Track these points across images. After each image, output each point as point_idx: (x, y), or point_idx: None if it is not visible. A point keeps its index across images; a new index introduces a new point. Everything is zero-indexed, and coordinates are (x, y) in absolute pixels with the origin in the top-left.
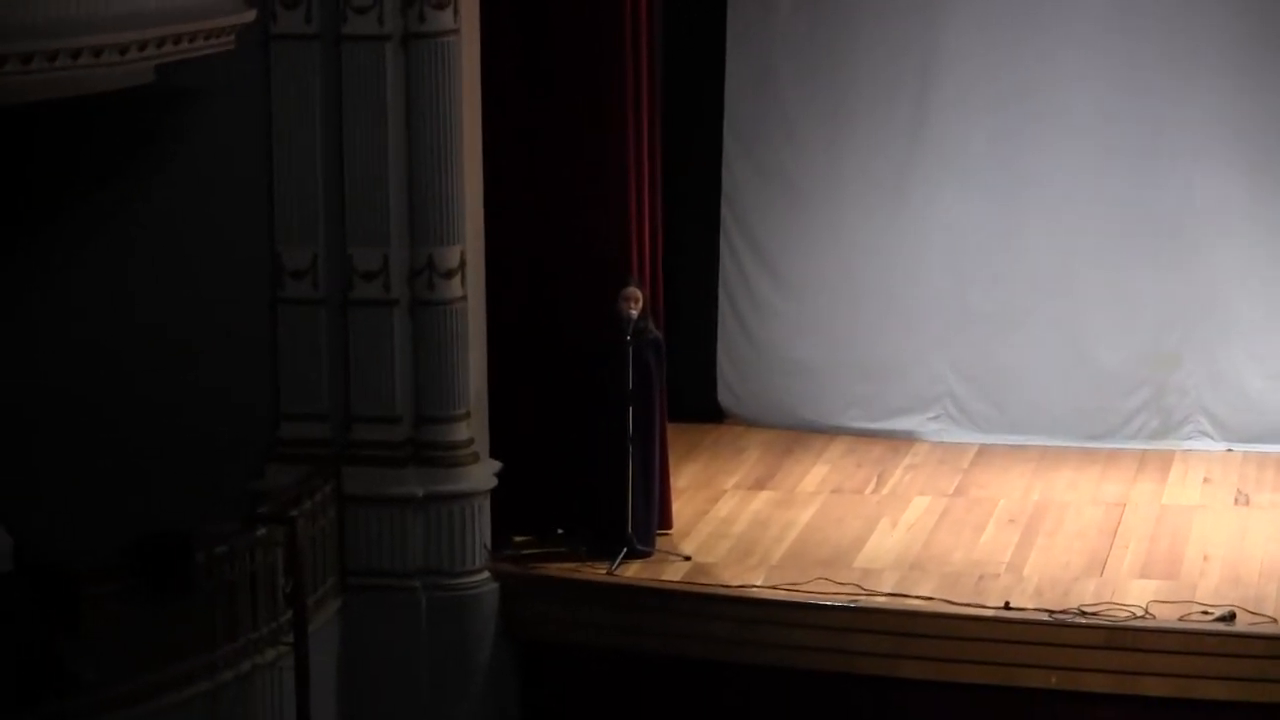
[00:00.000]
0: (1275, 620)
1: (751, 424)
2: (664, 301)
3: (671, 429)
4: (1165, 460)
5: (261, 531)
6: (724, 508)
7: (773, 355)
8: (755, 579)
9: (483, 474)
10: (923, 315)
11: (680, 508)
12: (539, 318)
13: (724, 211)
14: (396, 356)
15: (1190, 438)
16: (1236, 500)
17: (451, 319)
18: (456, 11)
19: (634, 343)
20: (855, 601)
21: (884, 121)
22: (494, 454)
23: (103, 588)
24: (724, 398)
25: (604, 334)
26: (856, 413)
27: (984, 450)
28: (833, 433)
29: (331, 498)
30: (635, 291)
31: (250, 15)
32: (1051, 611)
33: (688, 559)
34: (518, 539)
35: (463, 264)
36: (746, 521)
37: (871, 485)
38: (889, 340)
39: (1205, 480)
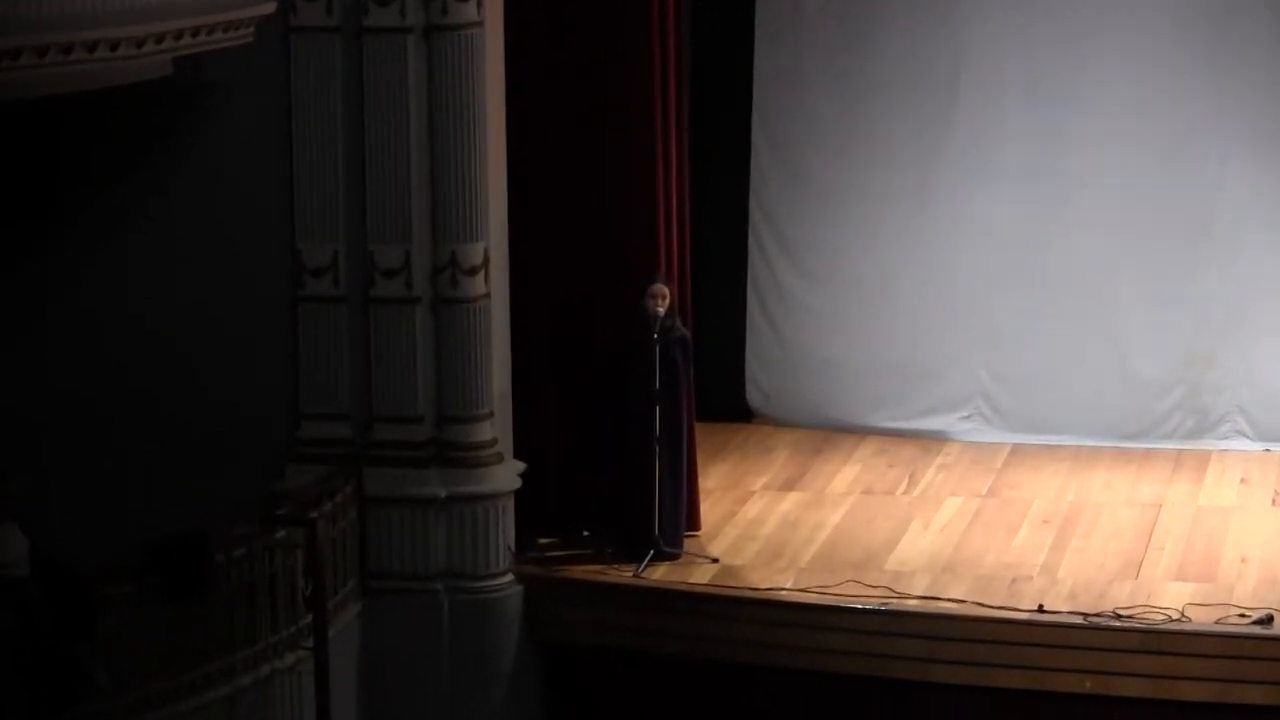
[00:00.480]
0: None
1: (780, 424)
2: (691, 299)
3: (699, 429)
4: (1201, 460)
5: (281, 534)
6: (752, 509)
7: (802, 354)
8: (784, 581)
9: (506, 475)
10: (955, 312)
11: (708, 509)
12: (564, 316)
13: (752, 208)
14: (419, 355)
15: (1227, 437)
16: (1274, 501)
17: (475, 317)
18: (480, 4)
19: (661, 341)
20: (886, 605)
21: (913, 117)
22: (518, 454)
23: (119, 590)
24: (752, 397)
25: (630, 332)
26: (887, 412)
27: (1017, 450)
28: (863, 433)
29: (352, 499)
30: (662, 289)
31: (270, 7)
32: (1086, 615)
33: (715, 561)
34: (542, 541)
35: (486, 261)
36: (775, 523)
37: (903, 486)
38: (920, 338)
39: (1242, 480)
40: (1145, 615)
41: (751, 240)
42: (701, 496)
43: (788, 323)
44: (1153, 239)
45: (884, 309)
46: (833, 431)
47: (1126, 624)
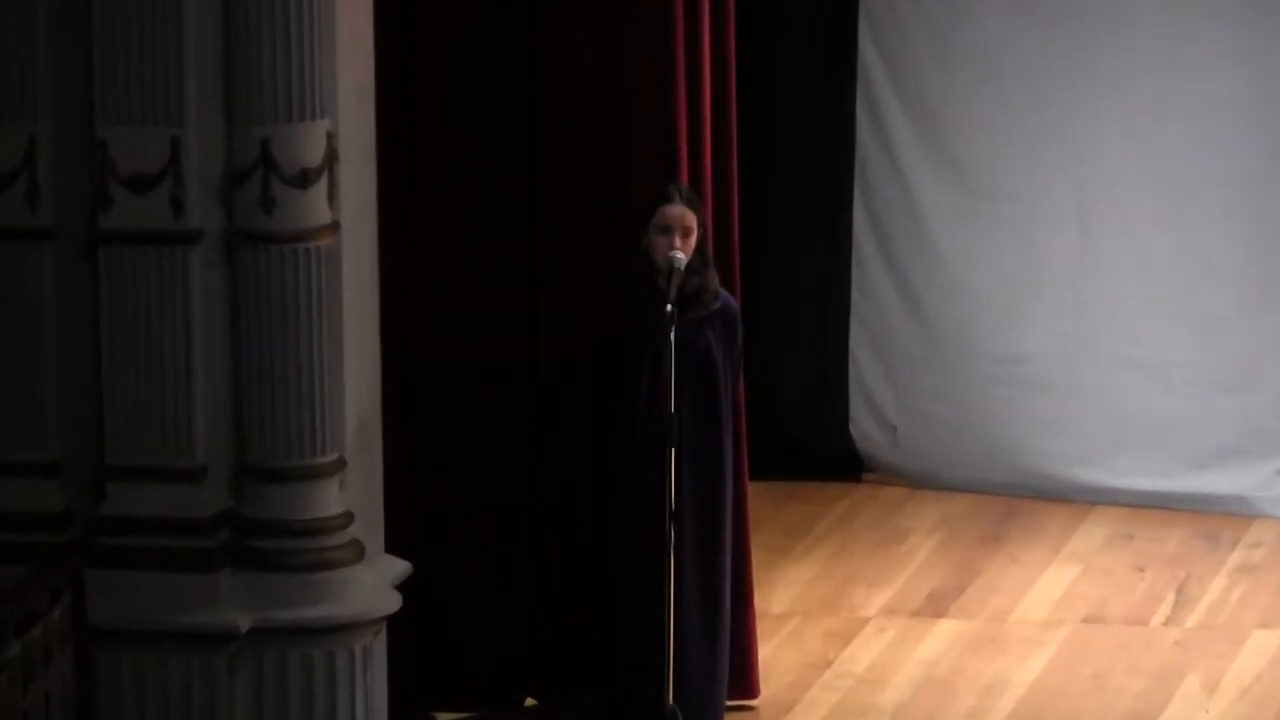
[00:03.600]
0: None
1: (918, 484)
2: (740, 241)
3: (760, 492)
4: None
5: None
6: (864, 653)
7: (961, 353)
8: None
9: (371, 587)
10: (1257, 283)
11: (775, 654)
12: (488, 272)
13: (862, 70)
14: (195, 344)
15: None
16: None
17: (309, 269)
18: None
19: (682, 318)
20: None
21: None
22: (395, 546)
23: None
24: (865, 434)
25: (623, 301)
26: (1132, 463)
27: None
28: (1084, 500)
29: (65, 632)
30: (683, 214)
31: None
32: None
33: None
34: (443, 718)
35: (331, 159)
36: (909, 683)
37: (1165, 609)
38: (1194, 329)
39: None
40: None
41: (862, 130)
42: (764, 629)
43: (933, 291)
44: None
45: (1125, 271)
46: (1023, 498)
47: None
